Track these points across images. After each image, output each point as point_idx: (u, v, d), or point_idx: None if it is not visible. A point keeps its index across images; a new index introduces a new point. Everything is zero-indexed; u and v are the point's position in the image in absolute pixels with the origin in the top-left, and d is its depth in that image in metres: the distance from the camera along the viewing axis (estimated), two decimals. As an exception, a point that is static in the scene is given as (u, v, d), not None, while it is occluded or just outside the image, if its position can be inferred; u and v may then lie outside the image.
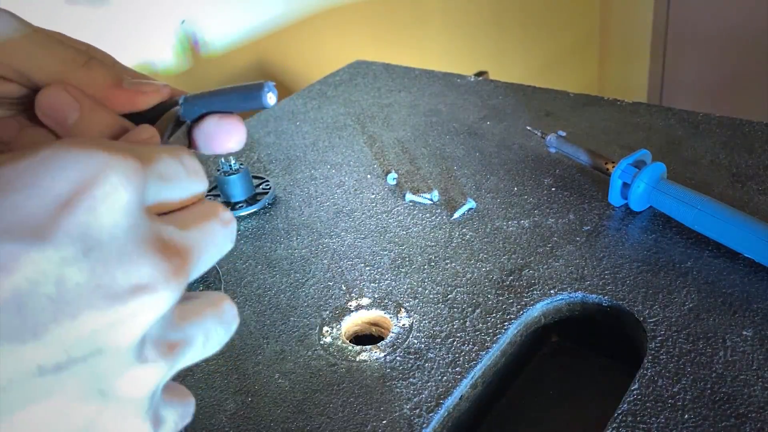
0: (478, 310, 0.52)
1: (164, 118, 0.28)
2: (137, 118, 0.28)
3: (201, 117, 0.28)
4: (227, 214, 0.24)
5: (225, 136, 0.28)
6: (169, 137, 0.27)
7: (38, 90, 0.27)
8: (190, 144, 0.29)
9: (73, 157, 0.19)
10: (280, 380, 0.48)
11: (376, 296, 0.55)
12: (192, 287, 0.59)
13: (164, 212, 0.22)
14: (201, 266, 0.22)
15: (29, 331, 0.17)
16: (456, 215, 0.63)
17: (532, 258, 0.57)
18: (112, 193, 0.19)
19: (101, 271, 0.19)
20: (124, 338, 0.19)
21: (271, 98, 0.27)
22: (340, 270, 0.58)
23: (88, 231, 0.19)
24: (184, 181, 0.23)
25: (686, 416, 0.42)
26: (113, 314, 0.19)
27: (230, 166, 0.68)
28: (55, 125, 0.27)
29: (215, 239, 0.23)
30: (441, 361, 0.48)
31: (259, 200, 0.69)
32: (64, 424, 0.19)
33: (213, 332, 0.23)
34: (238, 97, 0.28)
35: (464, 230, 0.61)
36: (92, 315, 0.18)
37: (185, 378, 0.50)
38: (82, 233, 0.18)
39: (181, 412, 0.23)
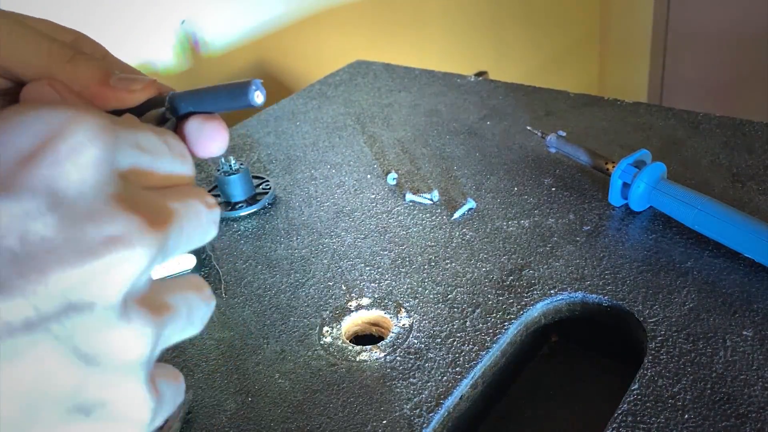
0: (478, 310, 0.52)
1: (148, 116, 0.28)
2: (123, 113, 0.28)
3: (186, 117, 0.28)
4: (211, 199, 0.24)
5: (207, 141, 0.27)
6: None
7: (24, 83, 0.26)
8: None
9: (37, 114, 0.19)
10: (280, 380, 0.48)
11: (376, 296, 0.55)
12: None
13: (147, 186, 0.22)
14: (183, 239, 0.22)
15: None
16: (456, 215, 0.63)
17: (532, 258, 0.57)
18: (77, 148, 0.19)
19: (69, 225, 0.18)
20: (102, 294, 0.19)
21: (258, 96, 0.27)
22: (340, 270, 0.58)
23: (53, 185, 0.18)
24: (165, 157, 0.23)
25: (686, 416, 0.42)
26: (87, 269, 0.18)
27: (230, 166, 0.68)
28: None
29: (198, 215, 0.23)
30: (441, 361, 0.48)
31: (259, 200, 0.69)
32: (45, 387, 0.18)
33: (195, 305, 0.23)
34: (225, 95, 0.27)
35: (464, 230, 0.61)
36: (62, 269, 0.18)
37: (186, 377, 0.50)
38: (47, 187, 0.18)
39: (174, 390, 0.23)
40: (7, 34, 0.25)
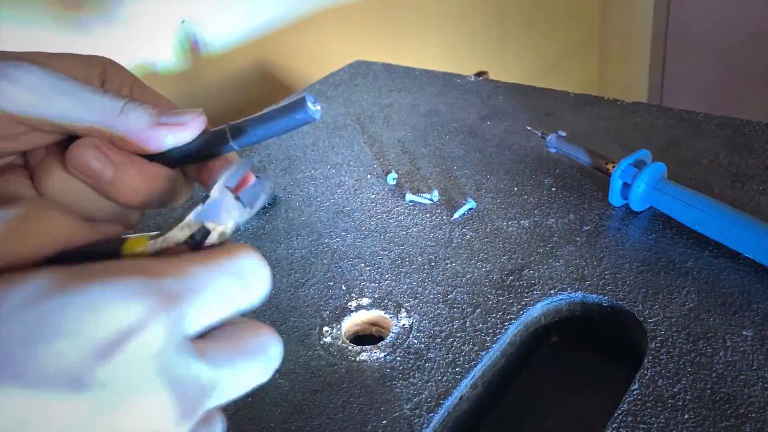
0: (478, 310, 0.52)
1: (223, 160, 0.28)
2: (185, 155, 0.28)
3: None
4: (270, 330, 0.24)
5: None
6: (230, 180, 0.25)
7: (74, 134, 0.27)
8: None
9: (116, 304, 0.19)
10: (280, 380, 0.48)
11: (376, 296, 0.55)
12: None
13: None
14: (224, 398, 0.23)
15: None
16: (456, 215, 0.63)
17: (532, 258, 0.57)
18: (148, 343, 0.20)
19: (112, 414, 0.19)
20: None
21: (315, 108, 0.27)
22: (340, 270, 0.58)
23: (118, 377, 0.19)
24: (237, 295, 0.23)
25: (686, 416, 0.42)
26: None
27: (230, 166, 0.68)
28: (91, 182, 0.27)
29: (268, 353, 0.24)
30: (441, 361, 0.48)
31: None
32: None
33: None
34: (283, 118, 0.27)
35: (464, 230, 0.61)
36: None
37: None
38: (113, 380, 0.19)
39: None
40: (61, 92, 0.26)
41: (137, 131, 0.27)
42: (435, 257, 0.58)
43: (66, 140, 0.28)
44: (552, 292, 0.53)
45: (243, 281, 0.23)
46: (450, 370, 0.47)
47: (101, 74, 0.30)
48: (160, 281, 0.20)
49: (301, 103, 0.26)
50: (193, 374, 0.21)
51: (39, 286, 0.19)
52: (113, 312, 0.19)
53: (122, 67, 0.31)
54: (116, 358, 0.19)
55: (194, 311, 0.21)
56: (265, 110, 0.28)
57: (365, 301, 0.54)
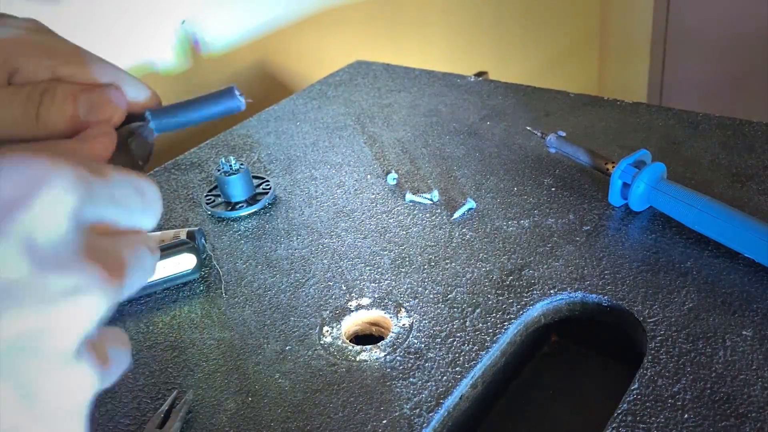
0: (478, 310, 0.52)
1: (122, 130, 0.28)
2: None
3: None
4: (154, 244, 0.25)
5: None
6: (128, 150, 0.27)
7: None
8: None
9: (19, 163, 0.19)
10: (280, 380, 0.48)
11: (376, 296, 0.55)
12: (193, 287, 0.59)
13: (106, 233, 0.23)
14: (131, 285, 0.22)
15: None
16: (456, 215, 0.63)
17: (532, 258, 0.57)
18: (55, 200, 0.19)
19: (35, 273, 0.19)
20: (54, 341, 0.19)
21: (242, 100, 0.27)
22: (340, 270, 0.58)
23: (28, 233, 0.19)
24: (136, 210, 0.23)
25: (686, 416, 0.42)
26: (44, 316, 0.19)
27: (230, 166, 0.68)
28: None
29: (144, 263, 0.23)
30: (441, 361, 0.48)
31: (259, 200, 0.69)
32: None
33: (123, 361, 0.23)
34: (212, 105, 0.28)
35: (464, 230, 0.61)
36: (21, 314, 0.18)
37: (186, 377, 0.50)
38: (23, 235, 0.19)
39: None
40: None
41: (57, 132, 0.26)
42: (435, 257, 0.58)
43: None
44: (552, 291, 0.53)
45: (144, 198, 0.24)
46: (450, 369, 0.47)
47: (5, 65, 0.28)
48: (72, 160, 0.21)
49: (229, 92, 0.27)
50: (102, 251, 0.21)
51: None
52: (16, 171, 0.19)
53: (33, 44, 0.28)
54: (23, 212, 0.19)
55: (103, 201, 0.22)
56: (190, 99, 0.28)
57: (365, 301, 0.54)
